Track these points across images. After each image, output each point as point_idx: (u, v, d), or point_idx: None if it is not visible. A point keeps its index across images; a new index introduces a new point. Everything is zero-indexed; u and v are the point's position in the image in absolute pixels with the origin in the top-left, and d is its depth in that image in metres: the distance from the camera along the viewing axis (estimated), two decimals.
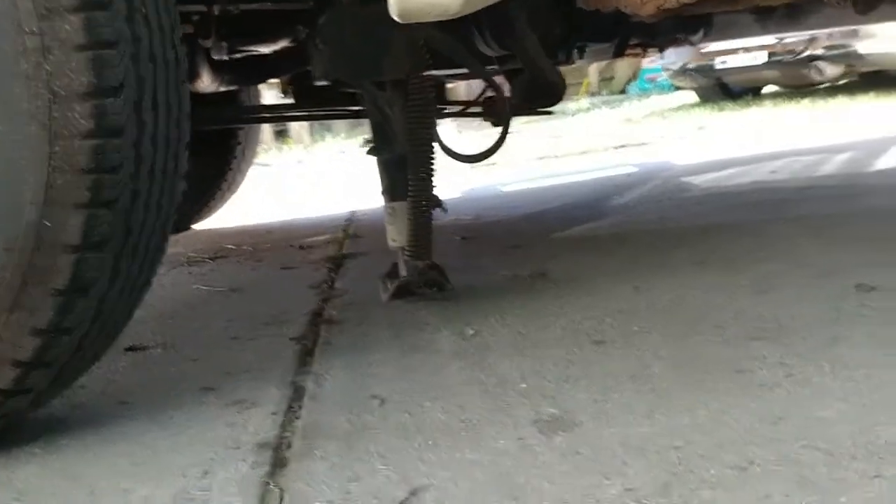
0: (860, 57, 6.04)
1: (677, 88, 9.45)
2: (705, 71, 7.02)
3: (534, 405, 1.19)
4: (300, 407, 1.30)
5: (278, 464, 1.10)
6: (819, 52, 6.17)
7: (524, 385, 1.27)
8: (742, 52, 6.55)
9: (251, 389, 1.41)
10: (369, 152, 1.86)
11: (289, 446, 1.16)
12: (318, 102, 2.69)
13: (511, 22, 1.92)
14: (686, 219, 2.56)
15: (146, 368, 1.60)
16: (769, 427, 1.04)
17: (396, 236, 1.84)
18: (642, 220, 2.61)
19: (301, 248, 2.86)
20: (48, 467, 1.18)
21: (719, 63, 6.74)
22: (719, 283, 1.72)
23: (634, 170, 4.00)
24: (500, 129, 1.93)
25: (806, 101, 6.55)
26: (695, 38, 2.75)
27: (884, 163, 3.23)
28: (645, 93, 10.61)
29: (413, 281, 1.84)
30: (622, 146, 5.16)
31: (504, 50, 1.98)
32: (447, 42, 1.73)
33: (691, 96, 8.55)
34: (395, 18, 1.16)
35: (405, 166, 1.79)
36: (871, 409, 1.05)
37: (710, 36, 2.74)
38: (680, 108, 7.75)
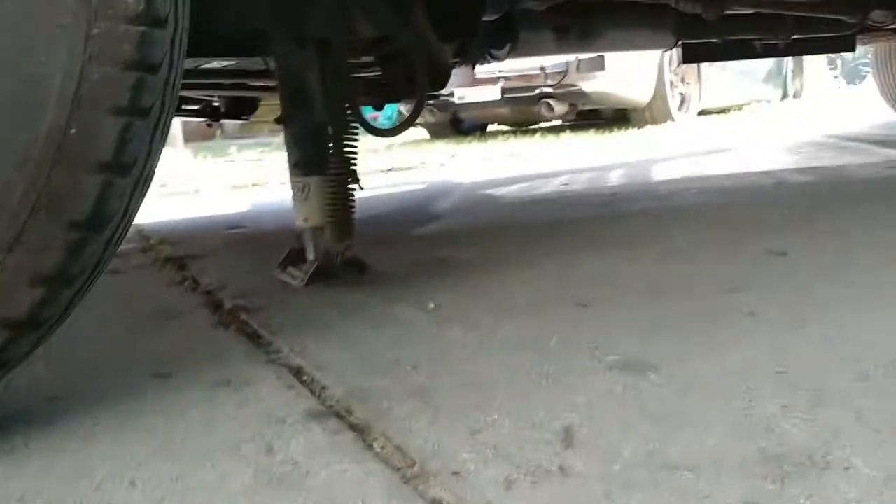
0: (585, 95, 6.63)
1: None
2: (442, 105, 7.28)
3: (589, 355, 1.12)
4: (313, 379, 1.12)
5: (357, 428, 0.93)
6: (549, 90, 6.67)
7: (554, 340, 1.20)
8: (479, 85, 6.89)
9: (221, 371, 1.18)
10: (278, 120, 1.68)
11: (349, 412, 0.98)
12: None
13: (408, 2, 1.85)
14: (532, 217, 2.61)
15: (42, 364, 1.29)
16: (842, 346, 1.07)
17: (309, 215, 1.67)
18: (490, 220, 2.62)
19: None
20: (24, 469, 0.90)
21: (458, 98, 7.02)
22: (636, 257, 1.76)
23: (423, 186, 4.03)
24: None
25: (537, 137, 7.05)
26: (501, 53, 2.85)
27: (659, 175, 3.54)
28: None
29: (331, 263, 1.68)
30: (389, 170, 5.18)
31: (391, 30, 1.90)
32: (378, 4, 1.62)
33: (421, 132, 8.83)
34: None
35: (323, 137, 1.64)
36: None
37: (514, 53, 2.84)
38: (417, 141, 7.98)
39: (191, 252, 2.40)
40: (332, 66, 1.62)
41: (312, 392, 1.07)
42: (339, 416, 0.98)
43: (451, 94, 6.92)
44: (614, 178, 3.56)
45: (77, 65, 0.80)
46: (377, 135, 1.78)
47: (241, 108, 2.93)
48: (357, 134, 1.64)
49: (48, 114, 0.79)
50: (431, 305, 1.47)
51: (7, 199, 0.80)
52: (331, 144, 1.63)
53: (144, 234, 3.01)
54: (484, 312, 1.40)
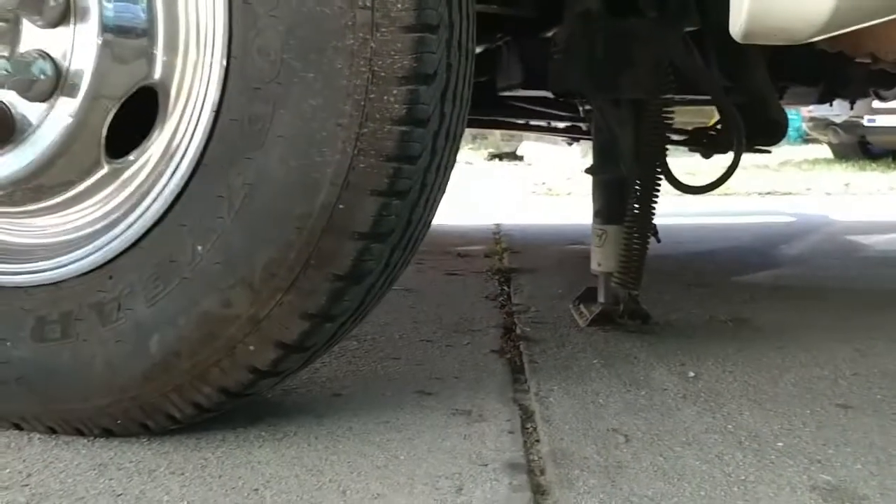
0: None
1: (806, 141, 9.16)
2: (849, 127, 6.75)
3: (803, 469, 1.10)
4: (534, 429, 1.24)
5: (538, 490, 1.04)
6: None
7: (781, 444, 1.18)
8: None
9: (470, 400, 1.36)
10: (588, 171, 1.80)
11: (542, 472, 1.09)
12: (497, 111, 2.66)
13: (744, 53, 1.84)
14: (882, 281, 2.41)
15: (348, 360, 1.57)
16: None
17: (603, 261, 1.77)
18: (831, 276, 2.48)
19: (459, 255, 2.82)
20: (282, 454, 1.14)
21: (867, 121, 6.46)
22: None
23: (791, 219, 3.85)
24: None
25: None
26: (889, 93, 2.62)
27: None
28: None
29: (615, 309, 1.77)
30: (768, 193, 4.98)
31: (728, 81, 1.89)
32: (693, 65, 1.65)
33: (824, 151, 8.25)
34: (737, 38, 1.07)
35: (624, 189, 1.72)
36: None
37: None
38: (815, 161, 7.47)
39: (522, 265, 2.62)
40: (645, 124, 1.68)
41: (525, 443, 1.19)
42: (531, 472, 1.09)
43: (860, 117, 6.40)
44: None
45: (348, 156, 1.00)
46: (685, 192, 1.80)
47: None
48: (659, 189, 1.69)
49: (322, 193, 1.01)
50: (692, 374, 1.50)
51: (287, 255, 1.04)
52: (635, 197, 1.70)
53: (499, 237, 3.32)
54: (741, 394, 1.40)
